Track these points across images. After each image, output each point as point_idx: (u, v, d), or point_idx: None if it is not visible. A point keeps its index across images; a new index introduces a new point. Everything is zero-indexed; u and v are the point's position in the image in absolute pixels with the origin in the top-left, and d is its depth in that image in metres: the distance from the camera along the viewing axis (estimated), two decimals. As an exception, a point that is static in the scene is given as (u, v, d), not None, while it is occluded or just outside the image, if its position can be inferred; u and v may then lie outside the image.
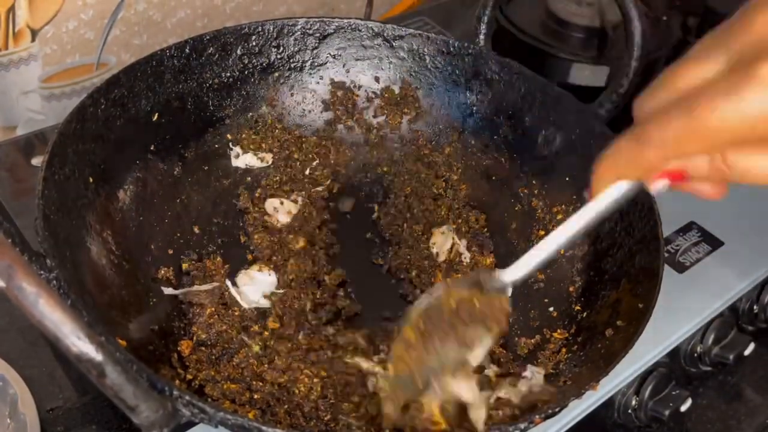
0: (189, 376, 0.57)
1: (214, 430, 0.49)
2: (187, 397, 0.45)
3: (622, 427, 0.67)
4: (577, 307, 0.65)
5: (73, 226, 0.57)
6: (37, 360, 0.62)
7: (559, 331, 0.63)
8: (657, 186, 0.41)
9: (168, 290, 0.62)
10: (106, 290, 0.57)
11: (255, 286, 0.65)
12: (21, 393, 0.57)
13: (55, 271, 0.50)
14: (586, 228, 0.45)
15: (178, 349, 0.58)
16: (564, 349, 0.61)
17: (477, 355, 0.50)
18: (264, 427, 0.45)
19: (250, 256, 0.68)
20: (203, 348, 0.59)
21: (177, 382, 0.55)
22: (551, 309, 0.66)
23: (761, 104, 0.34)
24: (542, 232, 0.72)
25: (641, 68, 0.70)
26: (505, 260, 0.70)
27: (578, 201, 0.71)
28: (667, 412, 0.65)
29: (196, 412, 0.45)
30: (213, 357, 0.59)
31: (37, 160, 0.80)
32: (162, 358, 0.57)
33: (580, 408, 0.62)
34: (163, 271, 0.64)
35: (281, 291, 0.65)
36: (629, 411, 0.66)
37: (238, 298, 0.63)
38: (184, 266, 0.65)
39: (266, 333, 0.61)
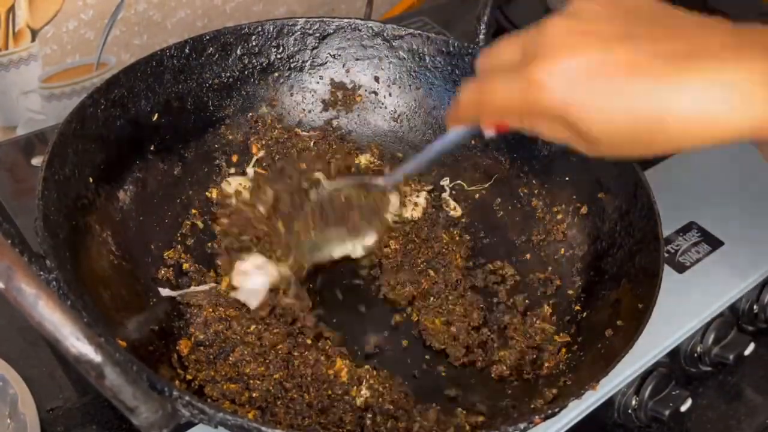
0: (189, 377, 0.57)
1: (214, 430, 0.49)
2: (187, 398, 0.45)
3: (622, 427, 0.67)
4: (577, 307, 0.65)
5: (73, 227, 0.57)
6: (37, 360, 0.62)
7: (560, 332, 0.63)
8: (487, 132, 0.50)
9: (165, 291, 0.62)
10: (105, 291, 0.57)
11: (250, 283, 0.64)
12: (21, 393, 0.58)
13: (55, 272, 0.50)
14: (441, 151, 0.57)
15: (177, 348, 0.58)
16: (564, 349, 0.61)
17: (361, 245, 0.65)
18: (263, 428, 0.45)
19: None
20: (201, 348, 0.59)
21: (177, 382, 0.55)
22: (551, 309, 0.66)
23: (529, 101, 0.44)
24: (542, 233, 0.72)
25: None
26: (505, 260, 0.71)
27: (578, 201, 0.71)
28: (667, 412, 0.65)
29: (196, 413, 0.45)
30: (211, 356, 0.59)
31: (37, 160, 0.80)
32: (162, 358, 0.57)
33: (580, 408, 0.62)
34: (162, 272, 0.64)
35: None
36: (629, 411, 0.66)
37: (234, 296, 0.63)
38: (185, 266, 0.65)
39: (261, 330, 0.61)
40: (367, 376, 0.58)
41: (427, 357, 0.63)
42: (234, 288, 0.63)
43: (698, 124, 0.41)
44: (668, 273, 0.65)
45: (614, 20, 0.44)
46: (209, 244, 0.67)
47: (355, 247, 0.65)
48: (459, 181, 0.77)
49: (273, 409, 0.56)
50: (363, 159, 0.78)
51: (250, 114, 0.77)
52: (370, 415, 0.56)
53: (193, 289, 0.63)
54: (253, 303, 0.62)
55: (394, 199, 0.66)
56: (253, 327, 0.61)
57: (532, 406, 0.56)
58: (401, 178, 0.65)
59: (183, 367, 0.57)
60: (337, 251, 0.65)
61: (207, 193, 0.72)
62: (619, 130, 0.43)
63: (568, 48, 0.43)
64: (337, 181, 0.63)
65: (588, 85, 0.42)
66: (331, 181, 0.62)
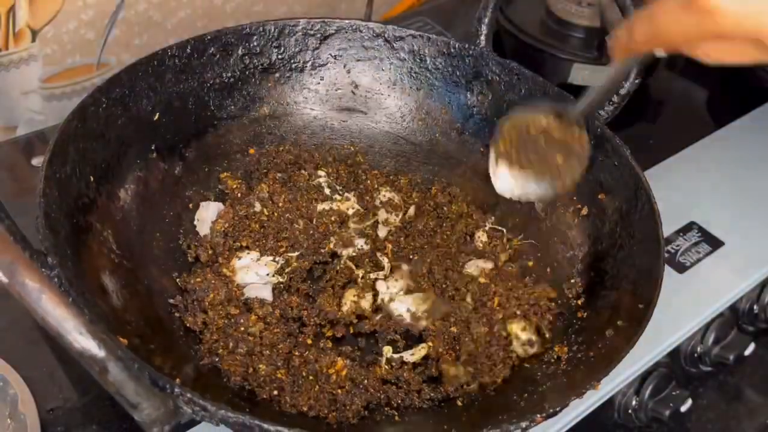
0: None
1: (216, 428, 0.49)
2: (189, 395, 0.45)
3: (622, 427, 0.67)
4: (578, 308, 0.65)
5: (74, 225, 0.57)
6: (38, 360, 0.62)
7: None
8: (659, 54, 0.52)
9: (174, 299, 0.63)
10: (106, 289, 0.57)
11: (252, 275, 0.65)
12: (21, 393, 0.58)
13: (56, 270, 0.50)
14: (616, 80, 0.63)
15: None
16: (564, 349, 0.61)
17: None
18: (265, 425, 0.45)
19: (244, 242, 0.68)
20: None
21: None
22: (551, 309, 0.66)
23: (701, 27, 0.45)
24: (543, 234, 0.72)
25: (641, 69, 0.70)
26: (506, 261, 0.71)
27: (579, 202, 0.71)
28: (667, 413, 0.65)
29: (198, 410, 0.45)
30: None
31: (37, 160, 0.80)
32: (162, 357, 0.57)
33: (580, 408, 0.62)
34: (164, 270, 0.64)
35: (277, 279, 0.65)
36: (629, 411, 0.66)
37: (246, 295, 0.63)
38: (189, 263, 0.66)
39: (262, 329, 0.61)
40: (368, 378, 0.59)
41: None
42: (241, 288, 0.64)
43: None
44: (668, 273, 0.65)
45: None
46: (210, 243, 0.67)
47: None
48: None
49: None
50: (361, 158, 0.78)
51: (251, 114, 0.77)
52: (368, 413, 0.56)
53: (198, 283, 0.63)
54: (268, 295, 0.63)
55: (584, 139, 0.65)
56: (254, 327, 0.61)
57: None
58: (590, 105, 0.64)
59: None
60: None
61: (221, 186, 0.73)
62: None
63: None
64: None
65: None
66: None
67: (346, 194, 0.73)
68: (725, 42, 0.46)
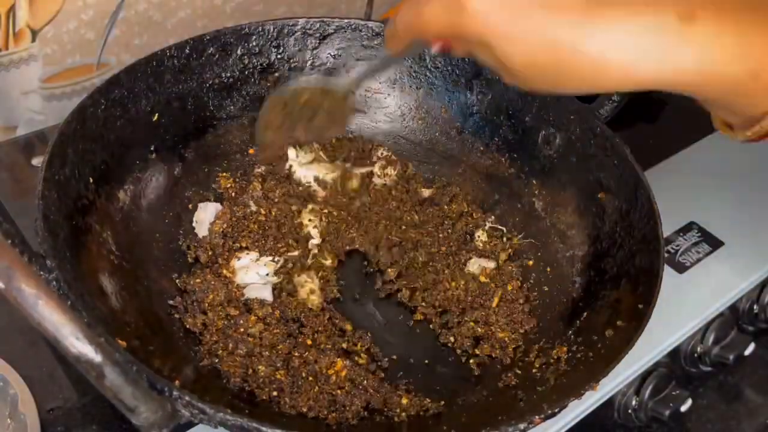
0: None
1: (214, 430, 0.49)
2: (187, 398, 0.45)
3: (622, 427, 0.67)
4: (578, 308, 0.65)
5: (73, 227, 0.57)
6: (38, 360, 0.62)
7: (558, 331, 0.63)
8: (434, 48, 0.52)
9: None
10: (105, 291, 0.57)
11: (253, 276, 0.65)
12: (21, 393, 0.58)
13: (55, 272, 0.50)
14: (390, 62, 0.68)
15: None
16: (564, 349, 0.61)
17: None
18: (263, 428, 0.45)
19: (243, 243, 0.68)
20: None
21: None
22: (551, 309, 0.66)
23: (451, 19, 0.46)
24: (542, 233, 0.72)
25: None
26: (506, 260, 0.71)
27: (578, 201, 0.71)
28: (667, 413, 0.65)
29: (196, 413, 0.45)
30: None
31: (37, 160, 0.80)
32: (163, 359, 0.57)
33: (580, 408, 0.62)
34: (163, 271, 0.64)
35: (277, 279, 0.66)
36: (629, 411, 0.66)
37: (247, 296, 0.64)
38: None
39: (262, 330, 0.61)
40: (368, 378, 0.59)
41: (427, 361, 0.64)
42: (241, 289, 0.64)
43: (613, 66, 0.43)
44: (668, 273, 0.65)
45: None
46: (210, 244, 0.67)
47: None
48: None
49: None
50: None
51: (251, 114, 0.77)
52: (368, 414, 0.57)
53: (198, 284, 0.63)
54: (268, 295, 0.64)
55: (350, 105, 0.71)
56: (254, 328, 0.61)
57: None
58: (355, 82, 0.69)
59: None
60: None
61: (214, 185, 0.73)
62: (535, 62, 0.44)
63: None
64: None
65: (509, 12, 0.44)
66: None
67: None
68: (470, 42, 0.47)
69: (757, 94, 0.44)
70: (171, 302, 0.62)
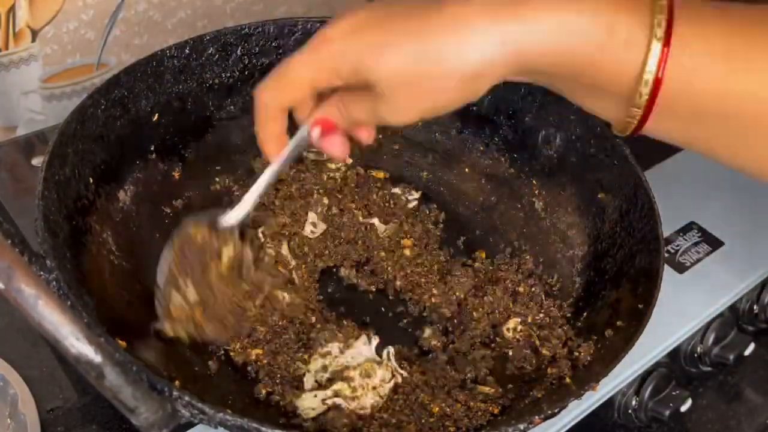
0: None
1: (214, 430, 0.49)
2: (187, 398, 0.45)
3: (622, 428, 0.67)
4: (578, 308, 0.65)
5: (73, 227, 0.57)
6: (38, 360, 0.62)
7: (559, 331, 0.63)
8: (314, 133, 0.52)
9: None
10: (106, 291, 0.57)
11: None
12: (21, 393, 0.58)
13: (55, 272, 0.50)
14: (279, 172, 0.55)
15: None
16: (564, 350, 0.61)
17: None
18: (263, 428, 0.45)
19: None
20: None
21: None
22: (551, 309, 0.66)
23: (319, 57, 0.48)
24: (542, 233, 0.72)
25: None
26: (505, 260, 0.71)
27: (578, 201, 0.71)
28: (667, 413, 0.65)
29: (196, 413, 0.45)
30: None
31: (37, 161, 0.80)
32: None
33: (580, 408, 0.62)
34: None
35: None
36: (629, 411, 0.66)
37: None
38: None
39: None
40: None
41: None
42: None
43: (471, 64, 0.45)
44: (668, 273, 0.65)
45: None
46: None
47: None
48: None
49: None
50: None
51: (251, 114, 0.76)
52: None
53: None
54: None
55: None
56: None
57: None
58: (245, 215, 0.56)
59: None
60: None
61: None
62: (397, 72, 0.46)
63: (352, 12, 0.48)
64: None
65: (368, 32, 0.46)
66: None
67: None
68: (342, 80, 0.48)
69: (616, 53, 0.43)
70: None
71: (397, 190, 0.76)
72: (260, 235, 0.67)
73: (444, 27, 0.45)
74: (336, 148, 0.54)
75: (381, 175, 0.77)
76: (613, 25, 0.42)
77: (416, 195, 0.76)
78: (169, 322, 0.53)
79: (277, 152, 0.53)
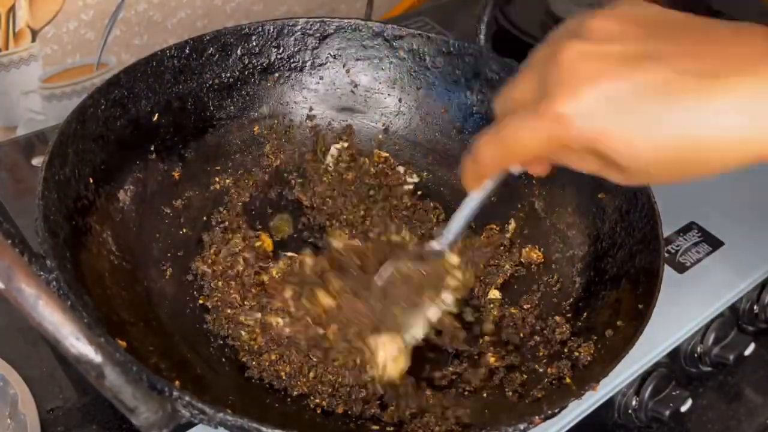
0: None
1: (214, 430, 0.49)
2: (187, 398, 0.45)
3: (623, 428, 0.67)
4: (578, 308, 0.65)
5: (73, 227, 0.57)
6: (38, 360, 0.62)
7: (558, 331, 0.63)
8: (514, 170, 0.50)
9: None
10: (106, 291, 0.57)
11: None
12: (21, 393, 0.58)
13: (55, 272, 0.50)
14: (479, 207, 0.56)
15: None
16: (564, 350, 0.61)
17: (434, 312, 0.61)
18: (263, 428, 0.45)
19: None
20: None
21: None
22: (551, 309, 0.66)
23: (554, 136, 0.42)
24: (542, 233, 0.72)
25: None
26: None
27: (579, 201, 0.71)
28: (667, 413, 0.65)
29: (196, 413, 0.45)
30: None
31: (37, 161, 0.80)
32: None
33: (580, 408, 0.62)
34: (163, 271, 0.64)
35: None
36: (629, 411, 0.66)
37: None
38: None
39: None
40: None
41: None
42: None
43: (736, 144, 0.39)
44: (668, 273, 0.65)
45: (633, 38, 0.41)
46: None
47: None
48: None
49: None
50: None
51: (251, 114, 0.77)
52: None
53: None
54: None
55: (454, 262, 0.62)
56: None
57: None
58: (456, 237, 0.59)
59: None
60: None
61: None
62: (653, 158, 0.40)
63: (587, 77, 0.40)
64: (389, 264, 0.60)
65: (614, 114, 0.40)
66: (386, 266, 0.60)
67: None
68: (573, 152, 0.43)
69: None
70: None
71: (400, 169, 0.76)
72: None
73: (729, 101, 0.38)
74: (539, 169, 0.52)
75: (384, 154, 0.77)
76: None
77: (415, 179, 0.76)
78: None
79: (478, 189, 0.54)
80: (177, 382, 0.51)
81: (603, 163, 0.42)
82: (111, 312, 0.55)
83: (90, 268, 0.57)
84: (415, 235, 0.71)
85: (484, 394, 0.59)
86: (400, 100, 0.80)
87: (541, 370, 0.60)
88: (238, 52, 0.74)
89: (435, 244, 0.60)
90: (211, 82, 0.73)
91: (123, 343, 0.50)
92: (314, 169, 0.76)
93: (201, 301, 0.64)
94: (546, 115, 0.41)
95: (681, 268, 0.73)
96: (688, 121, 0.39)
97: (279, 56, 0.77)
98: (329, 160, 0.76)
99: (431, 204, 0.75)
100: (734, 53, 0.39)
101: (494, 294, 0.67)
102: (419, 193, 0.77)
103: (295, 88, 0.78)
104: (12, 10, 0.82)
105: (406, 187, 0.75)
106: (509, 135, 0.44)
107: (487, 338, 0.64)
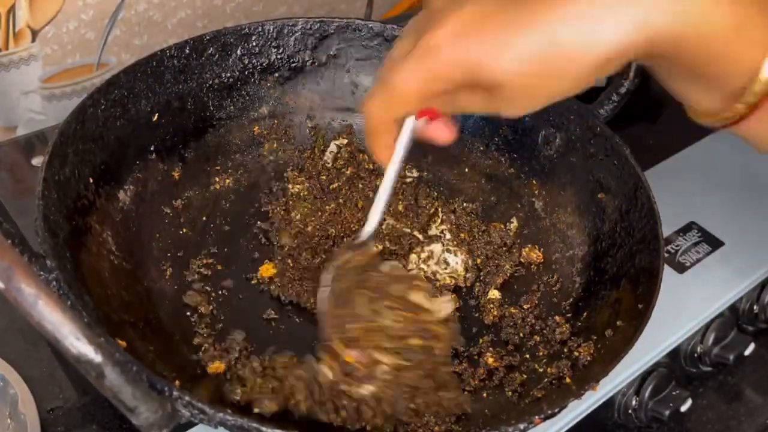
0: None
1: (214, 430, 0.49)
2: (187, 398, 0.45)
3: (623, 428, 0.67)
4: (577, 308, 0.65)
5: (73, 227, 0.57)
6: (38, 360, 0.62)
7: (558, 331, 0.63)
8: (421, 123, 0.51)
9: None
10: (106, 291, 0.57)
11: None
12: (21, 393, 0.58)
13: (55, 272, 0.50)
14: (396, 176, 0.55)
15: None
16: (564, 350, 0.61)
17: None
18: (263, 428, 0.45)
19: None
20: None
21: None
22: (551, 309, 0.66)
23: (429, 68, 0.45)
24: (542, 233, 0.72)
25: (641, 68, 0.70)
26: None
27: (579, 201, 0.71)
28: (667, 413, 0.65)
29: (196, 413, 0.45)
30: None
31: (37, 161, 0.80)
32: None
33: (580, 408, 0.62)
34: (163, 271, 0.64)
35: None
36: (629, 411, 0.66)
37: None
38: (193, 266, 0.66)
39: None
40: None
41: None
42: None
43: (597, 46, 0.42)
44: (668, 273, 0.65)
45: None
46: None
47: None
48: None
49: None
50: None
51: (251, 114, 0.77)
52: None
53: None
54: None
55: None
56: None
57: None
58: (376, 223, 0.59)
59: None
60: None
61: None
62: (519, 68, 0.43)
63: (452, 10, 0.45)
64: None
65: (478, 34, 0.43)
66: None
67: None
68: (455, 89, 0.46)
69: (739, 49, 0.42)
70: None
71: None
72: None
73: (576, 6, 0.41)
74: (443, 132, 0.53)
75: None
76: (744, 20, 0.41)
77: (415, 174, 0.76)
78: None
79: (390, 159, 0.54)
80: (177, 382, 0.51)
81: (485, 95, 0.45)
82: (111, 312, 0.55)
83: (90, 268, 0.57)
84: (416, 232, 0.71)
85: (484, 394, 0.59)
86: (400, 100, 0.80)
87: (540, 370, 0.60)
88: (238, 52, 0.74)
89: (361, 235, 0.59)
90: (211, 82, 0.73)
91: (123, 343, 0.50)
92: (312, 165, 0.76)
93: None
94: (419, 50, 0.45)
95: (681, 268, 0.73)
96: (541, 33, 0.42)
97: (279, 56, 0.77)
98: (328, 156, 0.76)
99: (430, 201, 0.75)
100: None
101: (494, 294, 0.67)
102: (418, 191, 0.77)
103: (295, 88, 0.78)
104: (12, 10, 0.82)
105: (406, 180, 0.75)
106: (390, 79, 0.47)
107: (486, 338, 0.64)
